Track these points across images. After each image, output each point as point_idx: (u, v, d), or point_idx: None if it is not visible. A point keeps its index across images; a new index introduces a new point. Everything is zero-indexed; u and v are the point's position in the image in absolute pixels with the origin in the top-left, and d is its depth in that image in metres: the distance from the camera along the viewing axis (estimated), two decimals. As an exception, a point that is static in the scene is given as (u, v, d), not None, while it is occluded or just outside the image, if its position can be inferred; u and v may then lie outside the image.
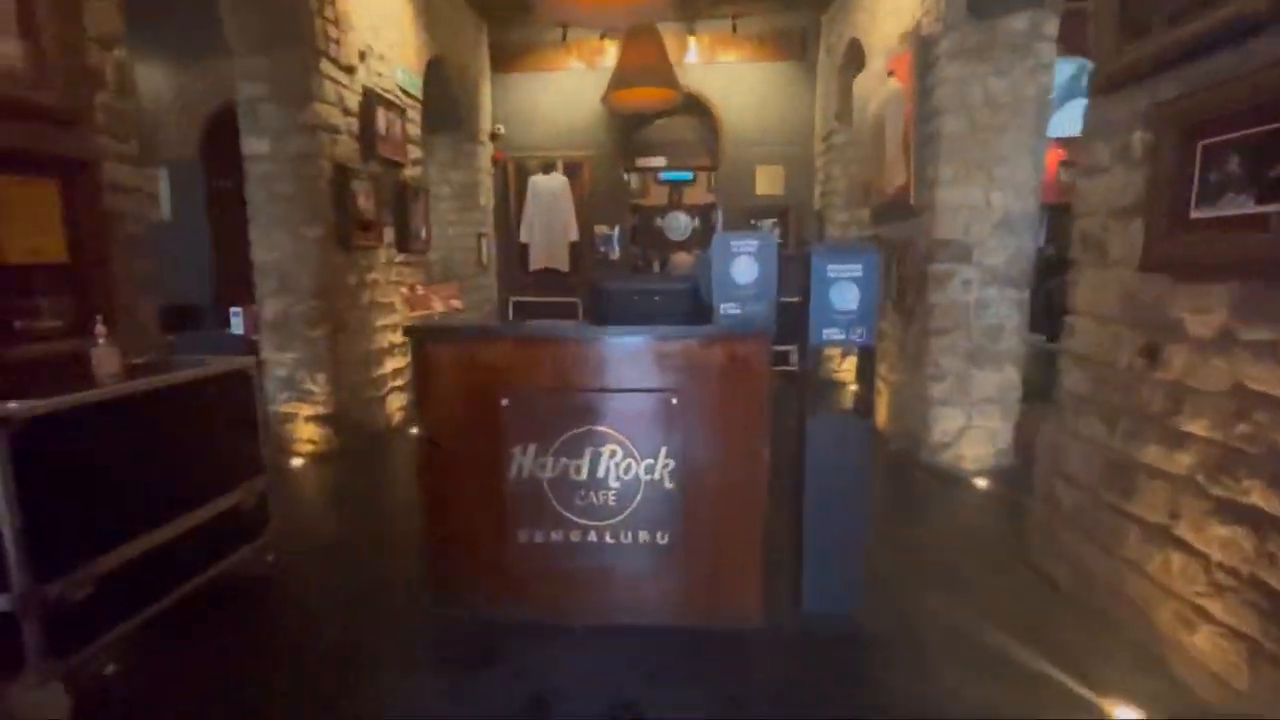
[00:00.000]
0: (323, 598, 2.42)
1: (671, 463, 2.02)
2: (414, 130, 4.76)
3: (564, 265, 6.91)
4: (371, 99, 4.03)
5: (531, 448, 2.06)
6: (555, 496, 2.07)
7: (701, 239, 9.91)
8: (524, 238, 6.92)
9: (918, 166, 3.60)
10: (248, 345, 3.98)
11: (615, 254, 7.06)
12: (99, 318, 1.97)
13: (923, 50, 3.54)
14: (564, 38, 6.51)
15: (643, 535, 2.07)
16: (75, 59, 2.15)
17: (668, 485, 2.03)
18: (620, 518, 2.07)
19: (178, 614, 2.07)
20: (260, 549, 2.49)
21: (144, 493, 1.99)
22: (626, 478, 2.04)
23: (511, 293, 6.99)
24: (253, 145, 3.58)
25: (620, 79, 5.64)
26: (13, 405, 1.62)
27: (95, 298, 2.22)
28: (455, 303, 4.80)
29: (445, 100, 5.70)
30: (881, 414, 4.27)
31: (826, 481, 2.12)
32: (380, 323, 4.33)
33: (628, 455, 2.03)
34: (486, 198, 6.58)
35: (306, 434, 3.87)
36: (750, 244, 2.02)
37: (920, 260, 3.64)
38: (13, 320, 1.98)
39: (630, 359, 2.02)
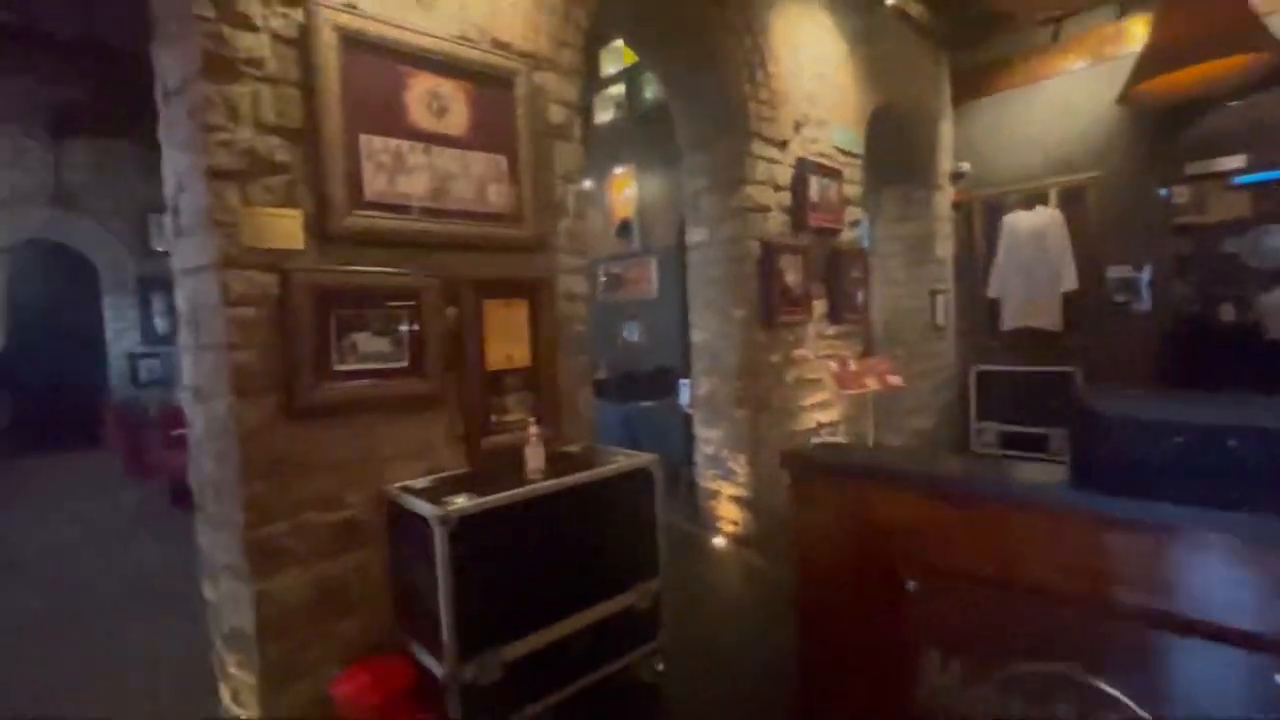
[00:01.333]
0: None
1: (1269, 812, 0.96)
2: (852, 190, 4.38)
3: (1053, 323, 5.30)
4: (804, 169, 3.85)
5: (955, 665, 1.32)
6: (990, 763, 1.26)
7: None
8: (994, 292, 5.63)
9: None
10: (685, 419, 4.26)
11: (1143, 303, 5.02)
12: (532, 420, 2.23)
13: None
14: (1056, 35, 5.11)
15: None
16: (546, 196, 2.59)
17: None
18: None
19: (565, 713, 2.12)
20: (650, 654, 2.42)
21: (548, 586, 2.12)
22: (1144, 795, 1.07)
23: (975, 359, 5.76)
24: (694, 234, 3.84)
25: (1156, 60, 4.00)
26: (454, 504, 1.90)
27: (547, 392, 2.59)
28: (893, 379, 4.12)
29: (893, 149, 5.15)
30: None
31: None
32: (806, 401, 4.03)
33: (1148, 754, 1.07)
34: (944, 249, 5.65)
35: (728, 513, 3.84)
36: None
37: None
38: (490, 416, 2.44)
39: (1167, 561, 1.07)
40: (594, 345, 2.83)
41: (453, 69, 2.28)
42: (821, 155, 4.06)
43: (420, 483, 2.17)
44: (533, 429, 2.20)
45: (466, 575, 1.88)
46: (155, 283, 8.99)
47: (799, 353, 3.94)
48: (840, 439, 4.23)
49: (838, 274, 4.18)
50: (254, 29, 1.89)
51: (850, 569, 1.49)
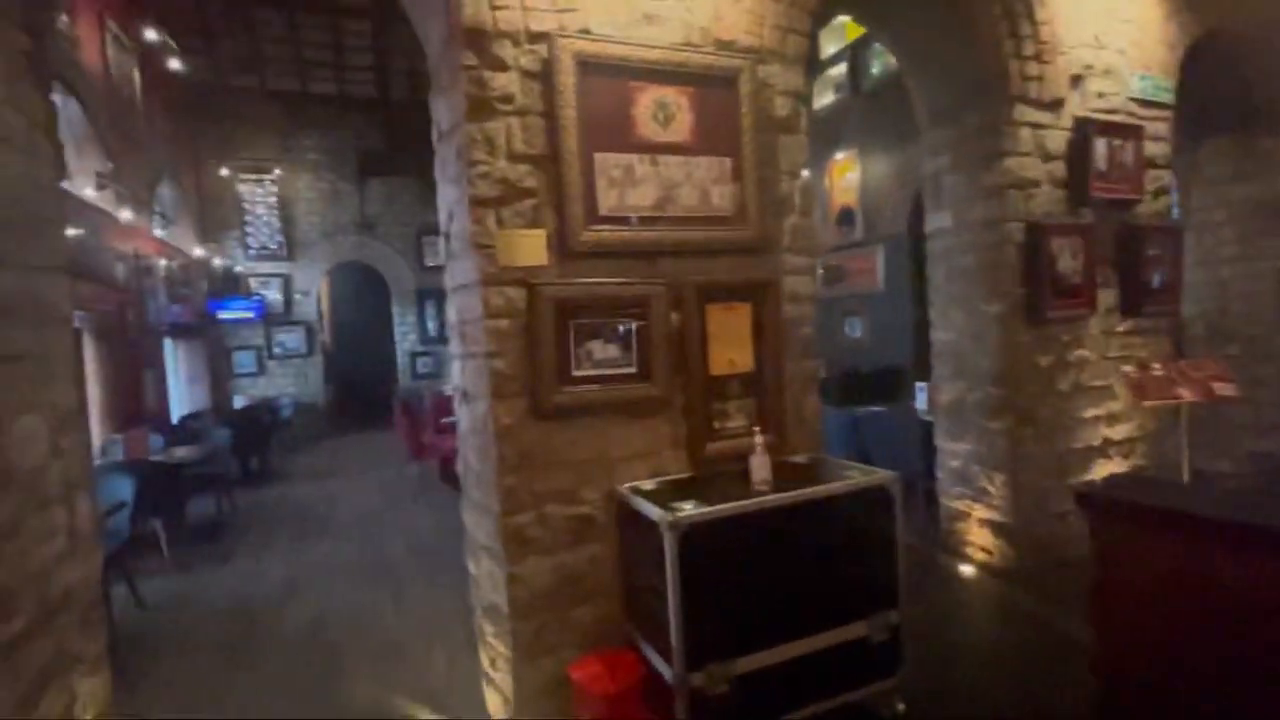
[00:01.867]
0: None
1: None
2: (1158, 150, 3.47)
3: None
4: (1085, 131, 3.14)
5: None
6: None
7: None
8: (1393, 265, 4.04)
9: None
10: (923, 428, 3.79)
11: None
12: (756, 429, 2.14)
13: None
14: None
15: None
16: (770, 194, 2.47)
17: None
18: None
19: (793, 742, 1.99)
20: (888, 692, 2.17)
21: (777, 603, 2.01)
22: None
23: (1357, 359, 4.20)
24: (934, 221, 3.39)
25: None
26: (683, 511, 1.90)
27: (771, 398, 2.48)
28: (1222, 387, 3.17)
29: (1223, 88, 3.97)
30: None
31: None
32: (1088, 413, 3.30)
33: None
34: (1303, 212, 4.21)
35: (978, 539, 3.32)
36: None
37: None
38: (713, 422, 2.41)
39: None
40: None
41: (677, 76, 2.29)
42: (1111, 111, 3.29)
43: (647, 484, 2.22)
44: (759, 438, 2.12)
45: (695, 582, 1.87)
46: (428, 293, 11.08)
47: (1078, 354, 3.25)
48: (1140, 463, 3.40)
49: (1134, 255, 3.35)
50: (506, 69, 2.10)
51: (1197, 650, 1.13)
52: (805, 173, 2.58)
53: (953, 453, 3.40)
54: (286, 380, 10.27)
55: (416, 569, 4.04)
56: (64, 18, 5.72)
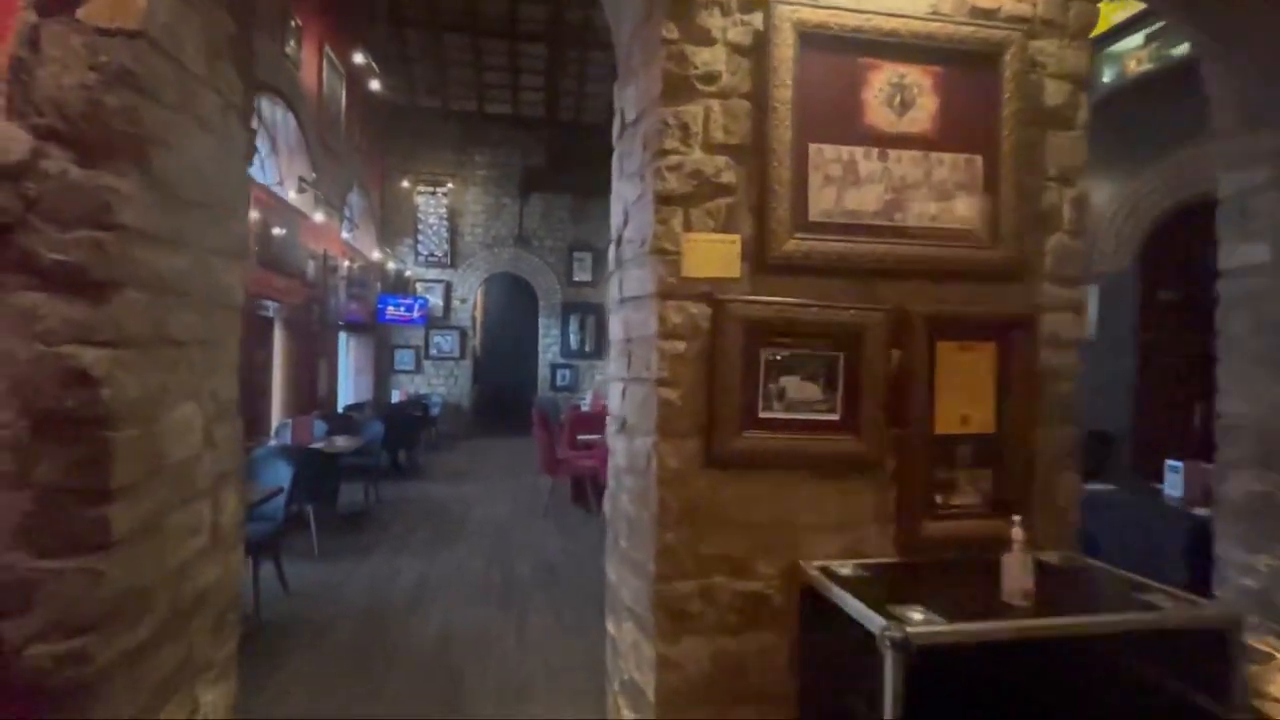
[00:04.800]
0: None
1: None
2: None
3: None
4: None
5: None
6: None
7: None
8: None
9: None
10: (1190, 522, 2.86)
11: None
12: (1016, 519, 1.56)
13: None
14: None
15: None
16: (1031, 205, 1.89)
17: None
18: None
19: None
20: None
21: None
22: None
23: None
24: (1238, 255, 2.53)
25: None
26: (913, 622, 1.38)
27: (1015, 472, 1.87)
28: None
29: None
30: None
31: None
32: None
33: None
34: None
35: (1284, 694, 2.38)
36: None
37: None
38: (934, 494, 1.85)
39: None
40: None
41: (921, 52, 1.81)
42: None
43: (844, 568, 1.71)
44: (1017, 530, 1.54)
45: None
46: (573, 307, 11.25)
47: None
48: None
49: None
50: (712, 43, 1.76)
51: None
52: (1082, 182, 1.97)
53: (1248, 568, 2.49)
54: (439, 380, 10.88)
55: (542, 598, 3.79)
56: (291, 43, 6.42)
